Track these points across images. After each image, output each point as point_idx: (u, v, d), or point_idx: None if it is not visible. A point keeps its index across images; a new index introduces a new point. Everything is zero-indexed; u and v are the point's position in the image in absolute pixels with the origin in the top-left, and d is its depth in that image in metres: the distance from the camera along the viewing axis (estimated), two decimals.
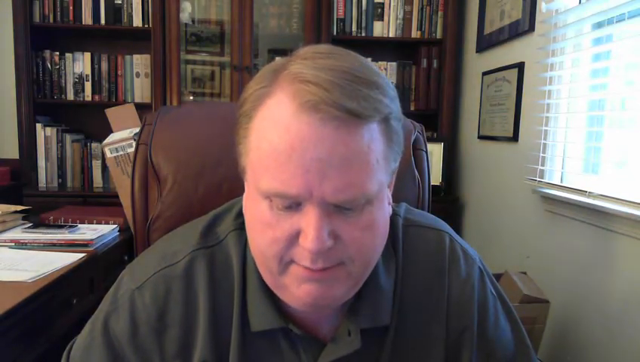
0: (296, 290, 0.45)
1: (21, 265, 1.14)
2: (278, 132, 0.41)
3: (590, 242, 1.39)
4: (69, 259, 1.20)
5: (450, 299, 0.55)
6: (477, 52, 2.17)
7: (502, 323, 0.57)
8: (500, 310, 0.58)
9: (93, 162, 2.33)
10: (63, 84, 2.29)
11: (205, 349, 0.50)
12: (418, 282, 0.54)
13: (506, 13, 1.88)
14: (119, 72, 2.32)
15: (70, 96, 2.29)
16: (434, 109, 2.38)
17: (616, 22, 1.33)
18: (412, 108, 2.39)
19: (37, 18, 2.22)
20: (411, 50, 2.40)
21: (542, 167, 1.61)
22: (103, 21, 2.25)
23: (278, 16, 2.36)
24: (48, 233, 1.35)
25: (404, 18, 2.33)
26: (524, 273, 1.55)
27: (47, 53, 2.27)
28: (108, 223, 1.52)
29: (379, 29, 2.33)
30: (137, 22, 2.26)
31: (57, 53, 2.28)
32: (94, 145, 2.32)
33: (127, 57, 2.33)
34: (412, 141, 0.78)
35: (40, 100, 2.26)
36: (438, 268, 0.55)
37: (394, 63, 2.39)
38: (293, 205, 0.42)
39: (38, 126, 2.25)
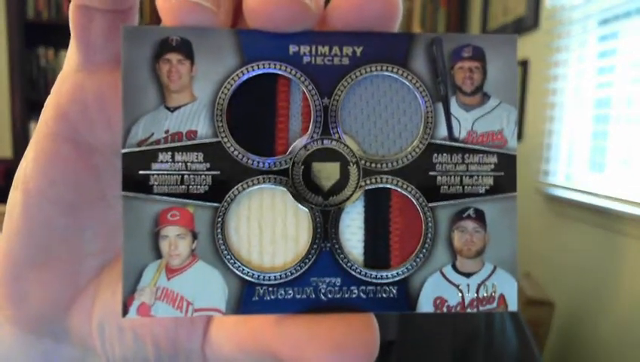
0: None
1: None
2: None
3: (596, 243, 1.37)
4: None
5: None
6: None
7: (508, 332, 0.56)
8: (507, 317, 0.56)
9: None
10: None
11: None
12: None
13: (509, 9, 1.85)
14: None
15: None
16: None
17: (623, 18, 1.31)
18: None
19: (31, 14, 2.18)
20: None
21: (546, 167, 1.59)
22: None
23: None
24: None
25: (405, 14, 2.30)
26: (528, 274, 1.53)
27: (41, 50, 2.23)
28: None
29: None
30: None
31: (52, 49, 2.24)
32: None
33: None
34: None
35: (34, 98, 2.22)
36: None
37: None
38: None
39: (33, 124, 2.21)
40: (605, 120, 1.44)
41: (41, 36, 2.27)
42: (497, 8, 1.96)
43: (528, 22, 1.71)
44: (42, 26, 2.22)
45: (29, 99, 2.20)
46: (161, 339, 0.18)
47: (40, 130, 0.17)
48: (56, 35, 2.30)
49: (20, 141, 2.20)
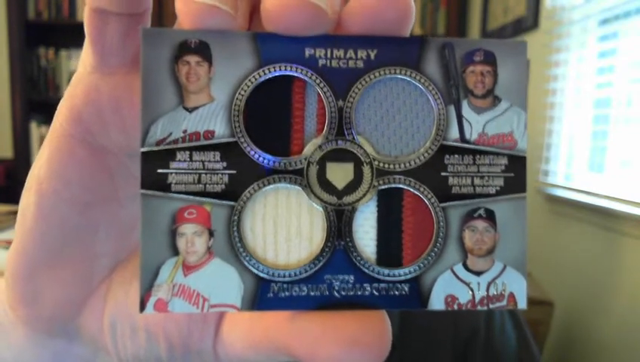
0: None
1: None
2: None
3: (596, 243, 1.37)
4: None
5: None
6: None
7: (508, 330, 0.56)
8: (507, 316, 0.56)
9: None
10: (58, 82, 2.25)
11: None
12: None
13: (509, 9, 1.85)
14: None
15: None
16: None
17: (623, 18, 1.31)
18: None
19: (31, 14, 2.18)
20: None
21: (546, 167, 1.59)
22: None
23: None
24: None
25: None
26: (528, 274, 1.53)
27: (41, 50, 2.23)
28: None
29: None
30: None
31: (52, 49, 2.24)
32: None
33: None
34: None
35: (34, 98, 2.22)
36: None
37: None
38: None
39: (33, 124, 2.21)
40: (605, 120, 1.45)
41: (41, 36, 2.27)
42: (497, 8, 1.97)
43: (528, 22, 1.71)
44: (42, 26, 2.22)
45: (29, 99, 2.20)
46: (173, 338, 0.18)
47: (54, 131, 0.17)
48: (57, 35, 2.30)
49: (20, 141, 2.20)
